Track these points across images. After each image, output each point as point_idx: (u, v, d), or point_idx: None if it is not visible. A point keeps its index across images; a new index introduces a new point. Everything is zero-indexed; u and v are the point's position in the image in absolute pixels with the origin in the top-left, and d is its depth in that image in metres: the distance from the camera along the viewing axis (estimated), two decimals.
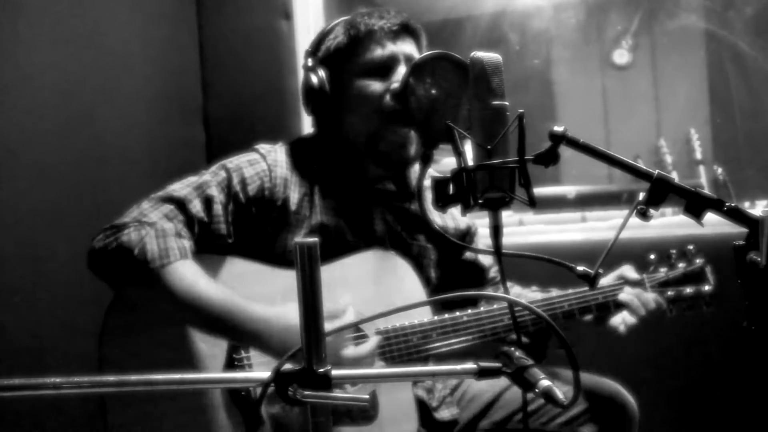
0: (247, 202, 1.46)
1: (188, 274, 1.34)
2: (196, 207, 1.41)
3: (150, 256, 1.32)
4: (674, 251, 1.62)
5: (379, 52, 1.50)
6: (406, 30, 1.53)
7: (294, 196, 1.50)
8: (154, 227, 1.35)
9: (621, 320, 1.56)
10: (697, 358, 2.13)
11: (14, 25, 1.74)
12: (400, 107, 1.44)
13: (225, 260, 1.46)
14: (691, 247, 1.62)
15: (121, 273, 1.35)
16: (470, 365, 0.84)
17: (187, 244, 1.37)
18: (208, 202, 1.42)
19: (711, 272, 1.61)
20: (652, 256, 1.62)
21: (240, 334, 1.36)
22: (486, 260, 1.76)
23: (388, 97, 1.49)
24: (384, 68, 1.50)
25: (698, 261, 1.62)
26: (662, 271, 1.61)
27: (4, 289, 1.65)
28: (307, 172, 1.54)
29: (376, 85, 1.50)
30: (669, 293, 1.59)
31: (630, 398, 1.60)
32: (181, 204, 1.41)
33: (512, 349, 0.86)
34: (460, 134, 0.91)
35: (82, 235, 1.42)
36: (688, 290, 1.59)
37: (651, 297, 1.57)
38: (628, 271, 1.61)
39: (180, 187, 1.44)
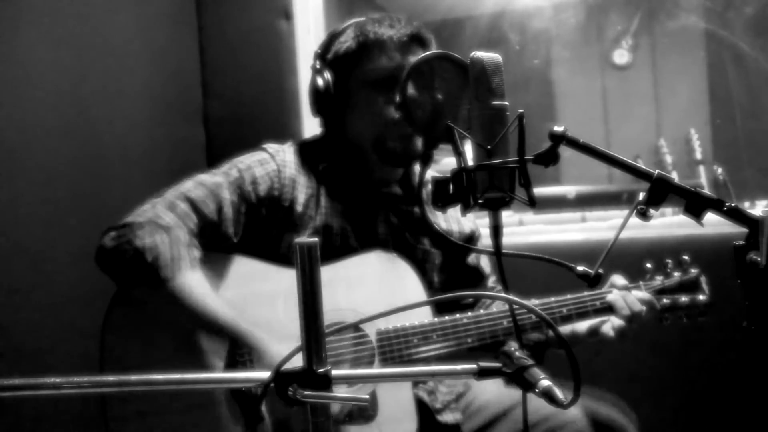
0: (258, 203, 1.47)
1: (198, 285, 1.36)
2: (210, 208, 1.42)
3: (162, 263, 1.32)
4: (670, 260, 1.62)
5: (385, 62, 1.49)
6: (416, 41, 1.51)
7: (301, 197, 1.51)
8: (169, 234, 1.35)
9: (610, 326, 1.55)
10: (697, 359, 2.13)
11: (14, 25, 1.73)
12: (403, 117, 1.43)
13: (231, 259, 1.47)
14: (686, 256, 1.62)
15: (132, 275, 1.36)
16: (470, 365, 0.84)
17: (197, 254, 1.39)
18: (220, 204, 1.43)
19: (706, 282, 1.61)
20: (649, 265, 1.63)
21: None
22: (487, 267, 1.75)
23: (392, 109, 1.49)
24: (390, 79, 1.49)
25: (693, 271, 1.62)
26: (658, 279, 1.61)
27: (4, 289, 1.65)
28: (314, 174, 1.54)
29: (380, 97, 1.50)
30: (665, 301, 1.59)
31: (629, 424, 1.60)
32: (195, 206, 1.41)
33: (512, 349, 0.86)
34: (460, 134, 0.90)
35: (82, 235, 1.42)
36: (684, 299, 1.59)
37: (638, 297, 1.54)
38: (618, 279, 1.60)
39: (193, 187, 1.44)
